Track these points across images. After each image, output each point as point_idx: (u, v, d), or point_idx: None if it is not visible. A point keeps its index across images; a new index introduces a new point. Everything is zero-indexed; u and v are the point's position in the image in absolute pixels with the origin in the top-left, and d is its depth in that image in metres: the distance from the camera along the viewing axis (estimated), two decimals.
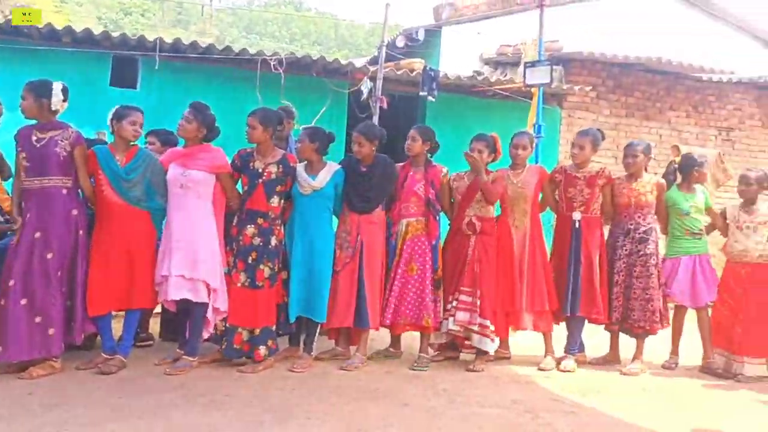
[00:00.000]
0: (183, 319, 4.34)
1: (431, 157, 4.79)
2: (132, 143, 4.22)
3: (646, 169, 5.01)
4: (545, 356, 4.82)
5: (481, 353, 4.66)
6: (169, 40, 7.16)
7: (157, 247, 4.26)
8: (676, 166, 5.18)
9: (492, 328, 4.59)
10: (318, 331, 4.57)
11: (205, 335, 4.30)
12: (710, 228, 5.15)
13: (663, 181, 5.04)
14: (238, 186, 4.50)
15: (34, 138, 3.98)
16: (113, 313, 4.28)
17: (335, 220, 4.72)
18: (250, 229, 4.33)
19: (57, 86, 4.00)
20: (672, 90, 9.10)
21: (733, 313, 4.82)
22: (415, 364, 4.57)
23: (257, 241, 4.33)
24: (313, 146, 4.51)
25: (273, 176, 4.37)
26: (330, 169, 4.53)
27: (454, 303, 4.57)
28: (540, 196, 4.97)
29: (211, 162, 4.26)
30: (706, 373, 4.88)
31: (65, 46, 6.80)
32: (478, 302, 4.52)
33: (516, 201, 4.80)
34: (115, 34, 6.98)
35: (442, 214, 4.75)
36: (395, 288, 4.55)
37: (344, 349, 4.69)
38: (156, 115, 5.70)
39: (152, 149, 4.75)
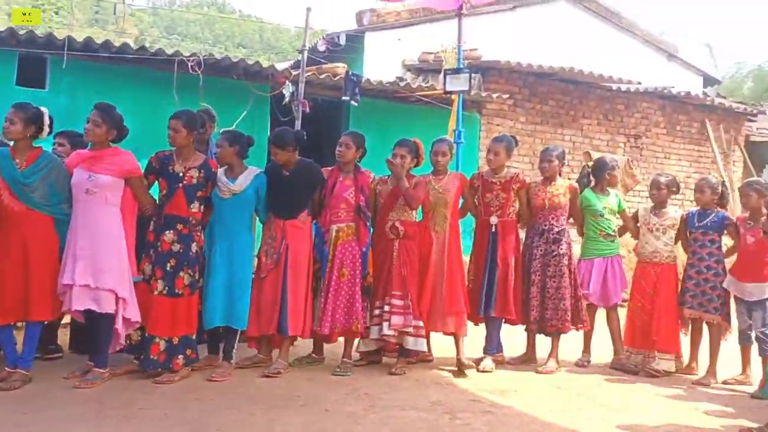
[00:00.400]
0: (93, 330, 4.14)
1: (359, 162, 4.81)
2: (35, 145, 4.02)
3: (560, 174, 5.21)
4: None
5: (403, 356, 4.70)
6: (81, 38, 6.88)
7: (61, 255, 4.04)
8: (590, 169, 5.41)
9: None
10: (238, 338, 4.49)
11: (117, 346, 4.14)
12: (622, 230, 5.40)
13: (576, 184, 5.26)
14: (155, 190, 4.36)
15: None
16: (18, 324, 4.06)
17: (260, 226, 4.67)
18: (169, 235, 4.21)
19: None
20: (584, 99, 9.50)
21: (647, 312, 5.06)
22: (338, 369, 4.56)
23: (177, 247, 4.21)
24: (233, 150, 4.44)
25: (194, 181, 4.26)
26: (250, 174, 4.47)
27: (386, 308, 4.59)
28: (461, 201, 5.07)
29: (121, 166, 4.09)
30: (616, 369, 5.10)
31: None
32: (410, 305, 4.57)
33: (436, 206, 4.88)
34: (21, 32, 6.64)
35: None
36: (330, 296, 4.53)
37: (266, 356, 4.62)
38: (66, 117, 5.45)
39: (61, 151, 4.55)
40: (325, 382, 4.35)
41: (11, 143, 4.07)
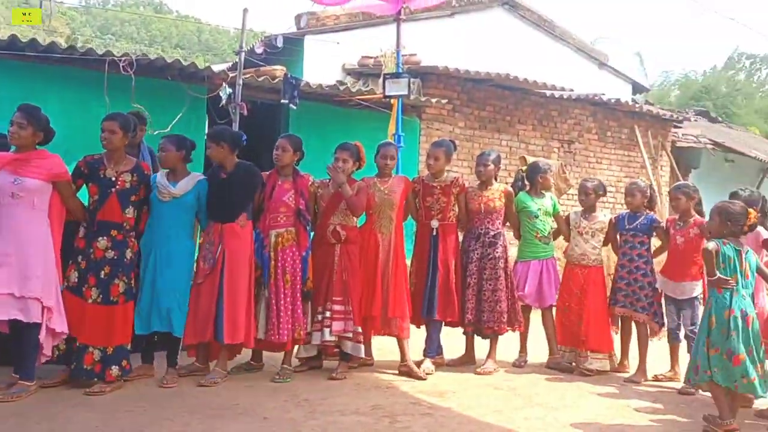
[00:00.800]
0: (16, 341, 3.94)
1: (297, 165, 4.76)
2: None
3: (496, 178, 5.30)
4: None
5: (344, 360, 4.68)
6: (6, 36, 6.56)
7: None
8: (524, 174, 5.54)
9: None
10: (180, 344, 4.40)
11: (43, 358, 3.96)
12: (556, 233, 5.54)
13: (510, 188, 5.37)
14: (83, 195, 4.21)
15: None
16: None
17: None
18: (103, 242, 4.07)
19: None
20: (520, 105, 9.71)
21: (575, 312, 5.20)
22: (277, 376, 4.50)
23: (111, 254, 4.08)
24: (180, 155, 4.38)
25: (127, 185, 4.14)
26: (193, 179, 4.39)
27: (327, 314, 4.55)
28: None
29: (49, 169, 3.93)
30: (552, 368, 5.23)
31: None
32: (351, 310, 4.55)
33: (382, 208, 4.89)
34: None
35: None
36: (278, 303, 4.45)
37: (203, 365, 4.52)
38: None
39: None
40: (264, 390, 4.29)
41: None
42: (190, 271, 4.42)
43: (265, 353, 4.80)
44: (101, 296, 4.03)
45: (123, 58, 6.75)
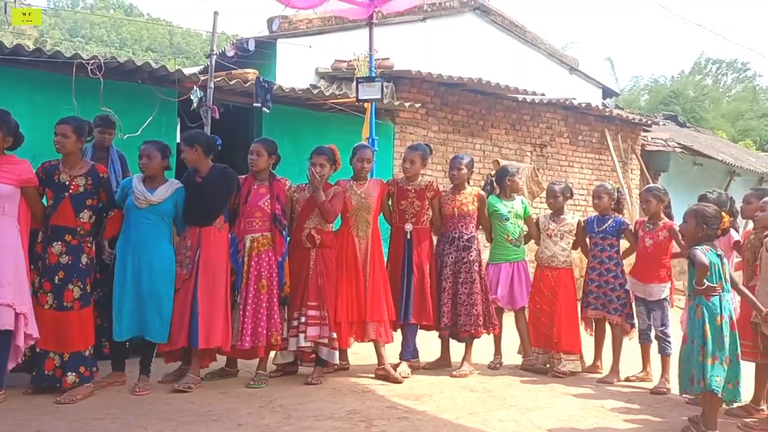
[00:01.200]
0: None
1: (274, 169, 4.73)
2: None
3: (468, 182, 5.33)
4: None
5: (320, 365, 4.65)
6: None
7: None
8: (493, 178, 5.59)
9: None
10: (155, 351, 4.35)
11: (12, 364, 3.88)
12: (527, 237, 5.58)
13: (483, 192, 5.40)
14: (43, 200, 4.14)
15: None
16: None
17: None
18: (57, 247, 4.02)
19: None
20: (492, 109, 9.78)
21: (546, 314, 5.25)
22: (252, 382, 4.46)
23: (65, 259, 4.02)
24: (164, 163, 4.33)
25: (81, 189, 4.09)
26: (171, 186, 4.34)
27: (303, 319, 4.52)
28: None
29: (18, 174, 3.88)
30: (526, 370, 5.26)
31: None
32: (326, 315, 4.52)
33: (359, 211, 4.87)
34: None
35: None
36: (249, 309, 4.40)
37: (187, 365, 4.43)
38: None
39: None
40: (238, 396, 4.25)
41: None
42: (172, 276, 4.36)
43: (240, 360, 4.74)
44: (56, 302, 3.99)
45: (91, 61, 6.63)
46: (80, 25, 38.95)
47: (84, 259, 4.07)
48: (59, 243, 4.02)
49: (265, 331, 4.43)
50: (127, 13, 43.88)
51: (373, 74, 7.43)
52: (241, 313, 4.41)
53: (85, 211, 4.10)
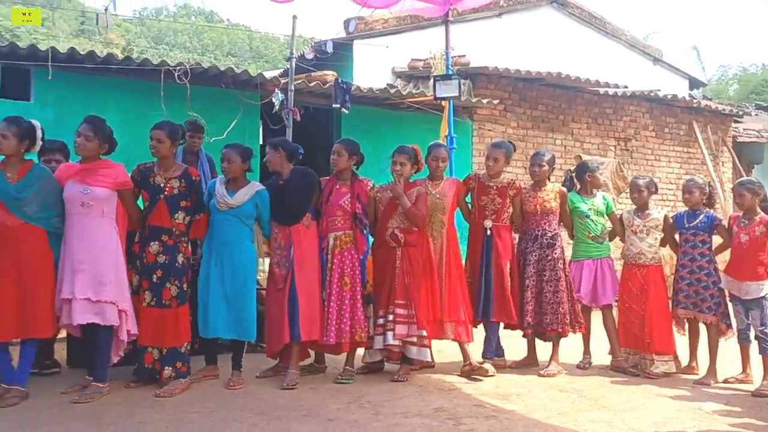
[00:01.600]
0: (90, 344, 4.08)
1: (357, 170, 4.78)
2: (26, 158, 3.99)
3: (549, 179, 5.22)
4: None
5: (406, 363, 4.66)
6: (60, 49, 6.79)
7: (55, 269, 3.98)
8: (572, 174, 5.44)
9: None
10: (245, 347, 4.49)
11: (115, 359, 4.09)
12: (612, 234, 5.41)
13: (564, 188, 5.26)
14: (140, 202, 4.33)
15: None
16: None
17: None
18: (154, 247, 4.18)
19: None
20: (573, 103, 9.54)
21: (636, 314, 5.06)
22: (340, 378, 4.52)
23: (162, 258, 4.18)
24: (245, 167, 4.44)
25: (175, 191, 4.24)
26: (251, 189, 4.44)
27: (390, 317, 4.53)
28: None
29: (115, 178, 4.06)
30: (616, 371, 5.09)
31: None
32: (414, 314, 4.53)
33: (434, 212, 4.86)
34: (2, 44, 6.55)
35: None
36: (332, 305, 4.48)
37: (286, 365, 4.55)
38: (53, 128, 5.36)
39: (56, 167, 4.47)
40: (327, 391, 4.31)
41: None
42: (254, 276, 4.49)
43: (327, 356, 4.82)
44: (155, 299, 4.15)
45: (178, 68, 6.91)
46: (164, 33, 40.62)
47: (180, 259, 4.23)
48: (156, 243, 4.18)
49: (348, 328, 4.48)
50: (208, 19, 45.43)
51: (450, 72, 7.38)
52: (326, 309, 4.48)
53: (180, 212, 4.25)
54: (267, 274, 4.71)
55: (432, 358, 4.97)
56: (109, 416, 3.64)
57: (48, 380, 4.30)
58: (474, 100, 8.35)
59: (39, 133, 4.04)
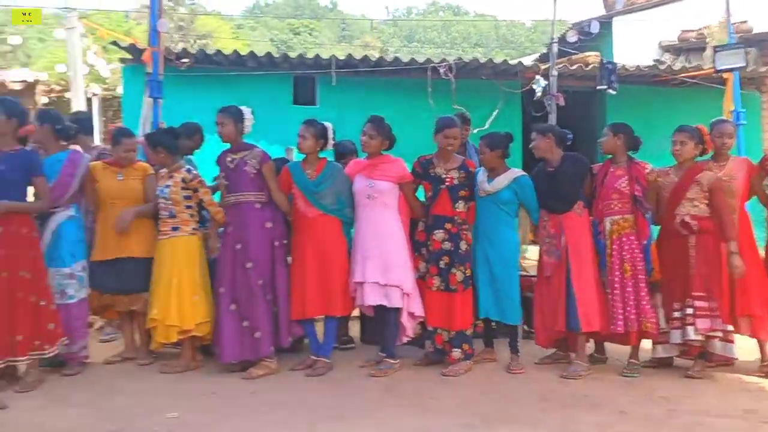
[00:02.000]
0: (381, 323, 4.41)
1: (634, 153, 4.52)
2: (320, 156, 4.42)
3: None
4: (763, 362, 4.34)
5: (701, 358, 4.28)
6: (338, 56, 7.44)
7: (347, 255, 4.37)
8: None
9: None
10: (519, 332, 4.50)
11: (404, 339, 4.37)
12: None
13: None
14: (420, 193, 4.54)
15: (228, 159, 4.33)
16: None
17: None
18: (439, 234, 4.35)
19: (247, 111, 4.35)
20: None
21: None
22: (626, 371, 4.31)
23: (447, 245, 4.34)
24: (495, 154, 4.44)
25: (455, 181, 4.38)
26: (510, 175, 4.43)
27: (689, 311, 4.18)
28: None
29: (396, 172, 4.34)
30: None
31: (250, 70, 7.26)
32: (716, 306, 4.16)
33: None
34: (292, 56, 7.37)
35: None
36: (616, 292, 4.29)
37: (565, 354, 4.51)
38: (337, 129, 5.91)
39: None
40: (612, 382, 4.14)
41: (298, 158, 4.49)
42: (516, 261, 4.49)
43: (608, 347, 4.63)
44: (443, 284, 4.31)
45: (442, 64, 7.17)
46: (414, 30, 42.52)
47: (463, 246, 4.37)
48: (441, 231, 4.37)
49: (633, 317, 4.23)
50: (455, 13, 46.62)
51: (732, 40, 6.65)
52: (609, 296, 4.30)
53: (460, 201, 4.40)
54: (535, 262, 4.66)
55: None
56: (404, 390, 3.90)
57: (345, 354, 4.73)
58: (762, 69, 7.39)
59: (330, 134, 4.47)
